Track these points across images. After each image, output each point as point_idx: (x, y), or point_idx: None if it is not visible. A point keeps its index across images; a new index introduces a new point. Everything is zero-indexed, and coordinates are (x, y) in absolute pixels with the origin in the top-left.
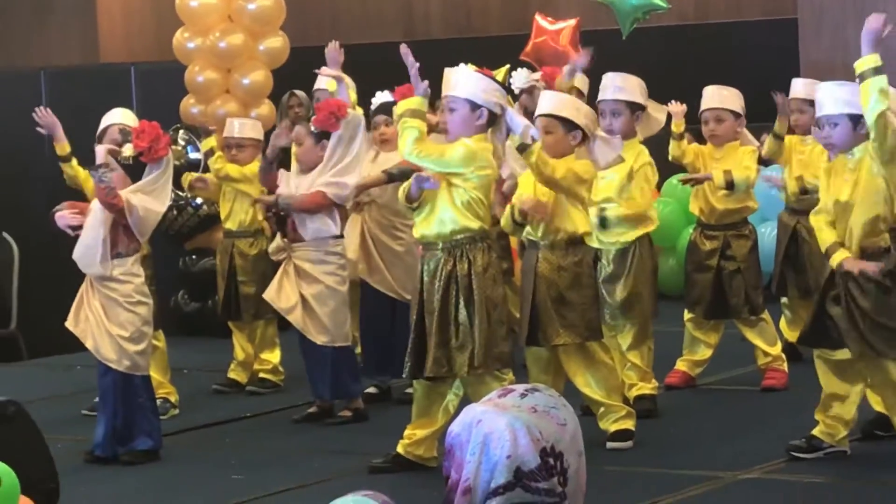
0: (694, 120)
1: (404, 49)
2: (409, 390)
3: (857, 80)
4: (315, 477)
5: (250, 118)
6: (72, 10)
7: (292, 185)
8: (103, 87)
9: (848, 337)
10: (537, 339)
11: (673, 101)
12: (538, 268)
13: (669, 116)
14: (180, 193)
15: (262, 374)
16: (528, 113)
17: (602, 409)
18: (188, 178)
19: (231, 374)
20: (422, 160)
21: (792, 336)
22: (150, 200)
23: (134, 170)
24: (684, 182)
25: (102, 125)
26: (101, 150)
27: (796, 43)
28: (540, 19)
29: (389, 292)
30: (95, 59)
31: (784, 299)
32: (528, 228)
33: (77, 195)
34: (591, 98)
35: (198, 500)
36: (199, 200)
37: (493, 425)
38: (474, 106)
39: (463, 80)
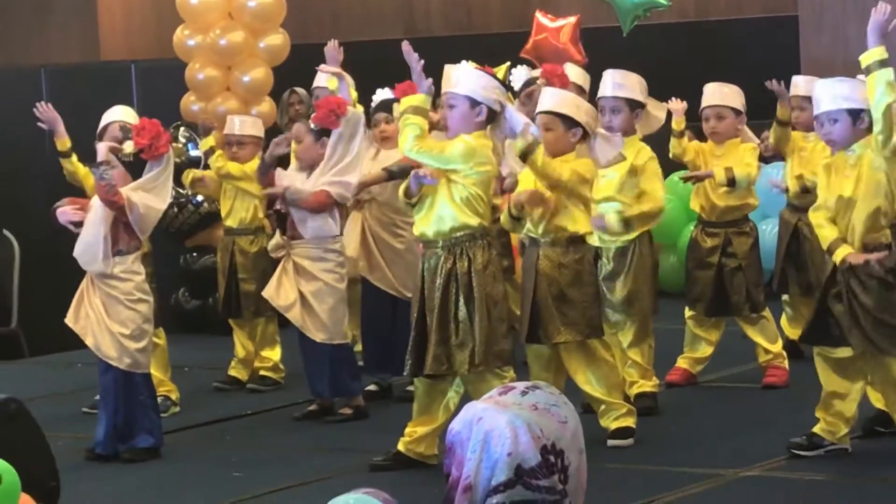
0: (694, 117)
1: (406, 46)
2: (410, 388)
3: (864, 73)
4: (316, 475)
5: (251, 115)
6: (72, 8)
7: (296, 183)
8: (104, 85)
9: (850, 334)
10: (538, 337)
11: (673, 99)
12: (539, 265)
13: (669, 114)
14: (181, 191)
15: (262, 372)
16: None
17: (603, 407)
18: (189, 175)
19: (232, 372)
20: (421, 156)
21: (793, 333)
22: (150, 198)
23: (134, 167)
24: (685, 180)
25: (103, 123)
26: (102, 148)
27: (797, 40)
28: (540, 16)
29: (390, 290)
30: (96, 57)
31: (785, 296)
32: (528, 226)
33: (77, 192)
34: (592, 95)
35: (198, 497)
36: (199, 198)
37: (493, 423)
38: (474, 103)
39: (463, 77)
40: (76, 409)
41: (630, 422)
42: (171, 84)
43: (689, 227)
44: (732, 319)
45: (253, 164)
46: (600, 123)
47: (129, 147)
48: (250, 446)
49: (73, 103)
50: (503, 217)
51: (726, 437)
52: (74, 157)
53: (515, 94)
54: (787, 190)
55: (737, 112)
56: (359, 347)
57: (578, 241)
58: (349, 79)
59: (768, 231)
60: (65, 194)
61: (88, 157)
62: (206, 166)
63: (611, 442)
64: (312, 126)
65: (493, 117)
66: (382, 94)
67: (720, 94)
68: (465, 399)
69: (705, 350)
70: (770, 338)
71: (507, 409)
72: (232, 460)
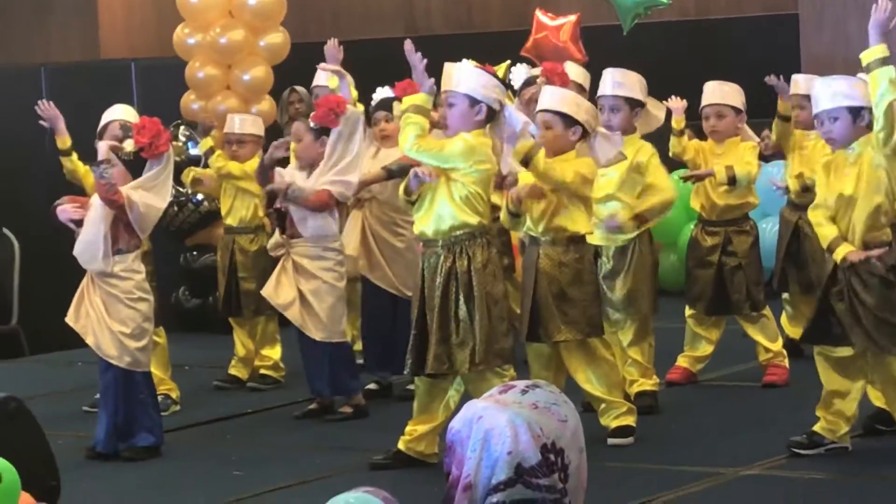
0: (694, 116)
1: (409, 46)
2: (410, 387)
3: (865, 71)
4: (316, 473)
5: (251, 114)
6: (72, 7)
7: (297, 181)
8: (104, 84)
9: (852, 333)
10: (538, 336)
11: (673, 97)
12: (539, 264)
13: (669, 113)
14: (181, 189)
15: (262, 371)
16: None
17: (603, 406)
18: (189, 173)
19: (232, 371)
20: (421, 155)
21: (793, 332)
22: (150, 197)
23: (134, 166)
24: (685, 179)
25: (103, 121)
26: (102, 147)
27: (797, 38)
28: (540, 15)
29: (390, 289)
30: (96, 56)
31: (785, 295)
32: (528, 224)
33: (77, 190)
34: (592, 93)
35: (199, 496)
36: (199, 197)
37: (493, 422)
38: (473, 101)
39: (463, 76)
40: (76, 407)
41: (630, 420)
42: (172, 82)
43: (689, 225)
44: (733, 318)
45: (253, 163)
46: (600, 122)
47: (129, 146)
48: (251, 445)
49: (73, 102)
50: (503, 215)
51: (726, 435)
52: (75, 156)
53: (515, 93)
54: (787, 189)
55: (737, 111)
56: (358, 346)
57: (579, 239)
58: (349, 77)
59: (768, 230)
60: (65, 193)
61: (89, 156)
62: (206, 166)
63: (611, 440)
64: (312, 125)
65: (493, 116)
66: (382, 92)
67: (720, 93)
68: (466, 398)
69: (705, 349)
70: (770, 336)
71: (507, 408)
72: (232, 459)
